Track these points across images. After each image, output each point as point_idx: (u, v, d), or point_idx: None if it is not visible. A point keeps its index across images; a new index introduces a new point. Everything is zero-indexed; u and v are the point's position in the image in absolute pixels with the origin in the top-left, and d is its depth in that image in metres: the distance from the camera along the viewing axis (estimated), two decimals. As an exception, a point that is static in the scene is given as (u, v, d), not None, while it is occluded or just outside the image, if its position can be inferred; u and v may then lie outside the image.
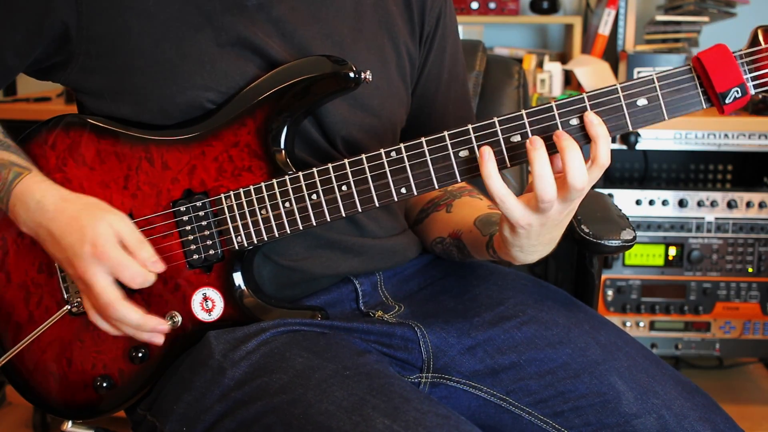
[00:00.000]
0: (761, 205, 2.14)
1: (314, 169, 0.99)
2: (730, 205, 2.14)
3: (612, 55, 2.48)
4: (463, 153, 0.94)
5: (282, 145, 1.01)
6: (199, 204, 1.02)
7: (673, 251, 2.17)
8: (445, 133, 0.94)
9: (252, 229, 1.01)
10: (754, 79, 0.90)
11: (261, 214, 1.01)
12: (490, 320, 1.08)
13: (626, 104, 0.91)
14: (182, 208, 1.02)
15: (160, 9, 1.02)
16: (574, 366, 1.04)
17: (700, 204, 2.14)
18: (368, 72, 1.00)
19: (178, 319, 1.03)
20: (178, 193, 1.02)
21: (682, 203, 2.14)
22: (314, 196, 0.99)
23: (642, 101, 0.91)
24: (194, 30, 1.03)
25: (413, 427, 0.84)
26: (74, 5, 1.01)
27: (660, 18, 2.38)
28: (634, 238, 1.19)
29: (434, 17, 1.19)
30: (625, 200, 2.14)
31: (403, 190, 0.97)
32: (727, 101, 0.90)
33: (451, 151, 0.94)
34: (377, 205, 0.98)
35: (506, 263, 1.08)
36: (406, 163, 0.96)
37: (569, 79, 2.42)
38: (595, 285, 1.36)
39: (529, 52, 2.51)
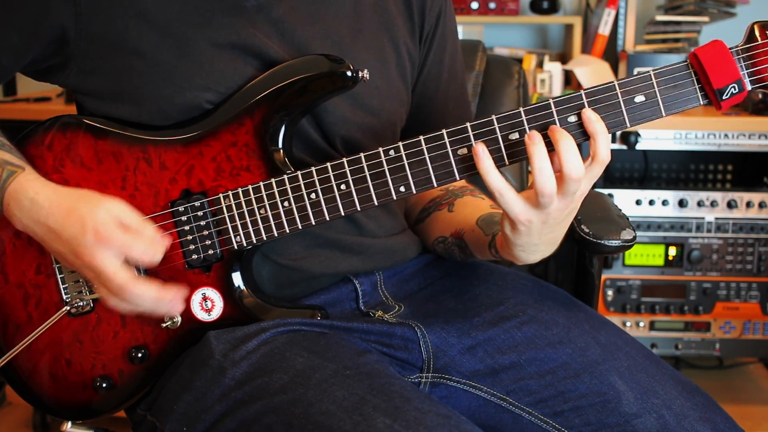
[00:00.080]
0: (761, 205, 2.14)
1: (313, 169, 0.99)
2: (730, 205, 2.14)
3: (612, 55, 2.48)
4: (462, 151, 0.94)
5: (280, 145, 1.01)
6: (197, 204, 1.02)
7: (673, 251, 2.17)
8: (444, 131, 0.94)
9: (251, 229, 1.01)
10: (750, 74, 0.90)
11: (260, 213, 1.00)
12: (491, 320, 1.08)
13: (624, 101, 0.91)
14: (180, 209, 1.02)
15: (159, 10, 1.02)
16: (574, 366, 1.04)
17: (700, 204, 2.14)
18: (366, 71, 1.00)
19: (178, 319, 1.03)
20: (177, 194, 1.02)
21: (682, 203, 2.14)
22: (313, 196, 0.99)
23: (639, 98, 0.91)
24: (193, 30, 1.02)
25: (414, 426, 0.84)
26: (72, 7, 1.01)
27: (660, 18, 2.38)
28: (634, 238, 1.19)
29: (434, 16, 1.19)
30: (625, 200, 2.14)
31: (402, 189, 0.97)
32: (724, 97, 0.90)
33: (449, 149, 0.94)
34: (376, 204, 0.98)
35: (508, 263, 1.08)
36: (405, 162, 0.96)
37: (569, 79, 2.42)
38: (595, 285, 1.36)
39: (529, 52, 2.51)
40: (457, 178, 0.95)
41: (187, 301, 1.03)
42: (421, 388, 1.06)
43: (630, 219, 1.25)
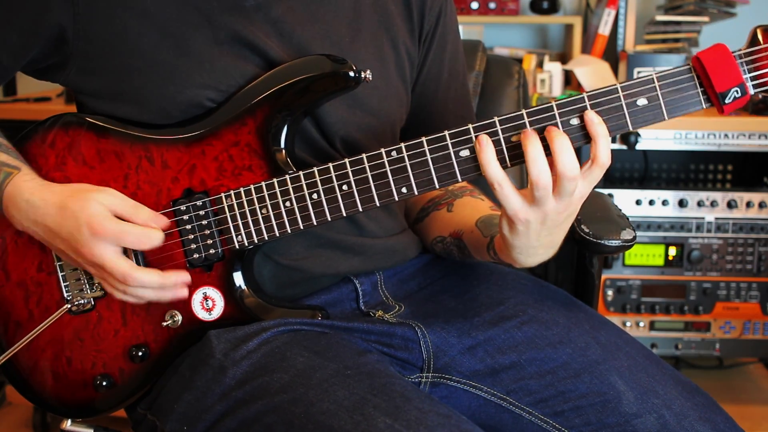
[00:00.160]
0: (761, 205, 2.14)
1: (315, 169, 0.99)
2: (730, 205, 2.14)
3: (612, 55, 2.48)
4: (464, 152, 0.94)
5: (282, 145, 1.01)
6: (199, 203, 1.02)
7: (673, 251, 2.17)
8: (446, 132, 0.94)
9: (252, 228, 1.01)
10: (753, 78, 0.90)
11: (261, 213, 1.01)
12: (491, 320, 1.08)
13: (626, 104, 0.91)
14: (182, 208, 1.02)
15: (159, 9, 1.02)
16: (574, 366, 1.04)
17: (700, 204, 2.14)
18: (368, 71, 1.00)
19: (179, 318, 1.03)
20: (178, 192, 1.02)
21: (682, 203, 2.14)
22: (315, 196, 0.99)
23: (642, 101, 0.91)
24: (192, 29, 1.03)
25: (414, 426, 0.84)
26: (70, 6, 1.01)
27: (660, 18, 2.38)
28: (634, 238, 1.19)
29: (434, 16, 1.19)
30: (625, 200, 2.14)
31: (404, 190, 0.97)
32: (726, 101, 0.90)
33: (451, 150, 0.94)
34: (378, 204, 0.98)
35: (507, 265, 1.08)
36: (407, 163, 0.96)
37: (569, 79, 2.42)
38: (595, 285, 1.36)
39: (529, 52, 2.51)
40: (459, 180, 0.95)
41: (188, 300, 1.03)
42: (422, 388, 1.06)
43: (630, 219, 1.25)
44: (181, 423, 0.99)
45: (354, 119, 1.10)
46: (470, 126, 0.94)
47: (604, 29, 2.43)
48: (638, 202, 2.15)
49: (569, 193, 0.91)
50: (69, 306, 1.06)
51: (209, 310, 1.04)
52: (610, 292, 2.19)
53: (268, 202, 1.00)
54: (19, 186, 1.00)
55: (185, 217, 1.02)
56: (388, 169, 0.97)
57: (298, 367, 0.95)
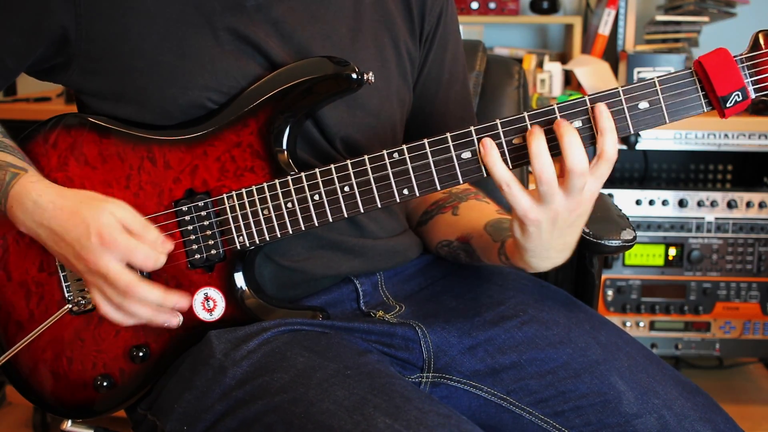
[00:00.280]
0: (761, 205, 2.14)
1: (316, 170, 0.99)
2: (730, 205, 2.14)
3: (612, 55, 2.48)
4: (466, 155, 0.94)
5: (284, 146, 1.01)
6: (201, 204, 1.02)
7: (673, 251, 2.18)
8: (448, 134, 0.94)
9: (254, 229, 1.01)
10: (754, 83, 0.90)
11: (263, 214, 1.01)
12: (491, 320, 1.08)
13: (628, 107, 0.92)
14: (184, 208, 1.02)
15: (160, 10, 1.02)
16: (574, 366, 1.04)
17: (700, 204, 2.14)
18: (371, 73, 1.00)
19: (180, 318, 1.03)
20: (180, 193, 1.03)
21: (682, 203, 2.14)
22: (316, 197, 0.99)
23: (644, 104, 0.92)
24: (194, 30, 1.03)
25: (414, 426, 0.84)
26: (72, 8, 1.01)
27: (660, 18, 2.38)
28: (634, 238, 1.19)
29: (435, 16, 1.19)
30: (625, 200, 2.14)
31: (406, 191, 0.97)
32: (728, 105, 0.90)
33: (453, 152, 0.94)
34: (379, 205, 0.98)
35: (519, 270, 1.07)
36: (409, 165, 0.96)
37: (569, 79, 2.42)
38: (595, 285, 1.36)
39: (529, 52, 2.51)
40: (461, 182, 0.95)
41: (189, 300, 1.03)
42: (422, 387, 1.06)
43: (630, 219, 1.25)
44: (182, 423, 0.99)
45: (354, 120, 1.10)
46: (472, 128, 0.94)
47: (604, 29, 2.43)
48: (638, 202, 2.15)
49: (578, 190, 0.90)
50: (70, 306, 1.06)
51: (210, 310, 1.04)
52: (610, 292, 2.20)
53: (269, 203, 1.00)
54: (26, 187, 0.99)
55: (187, 217, 1.02)
56: (389, 171, 0.97)
57: (299, 367, 0.95)
